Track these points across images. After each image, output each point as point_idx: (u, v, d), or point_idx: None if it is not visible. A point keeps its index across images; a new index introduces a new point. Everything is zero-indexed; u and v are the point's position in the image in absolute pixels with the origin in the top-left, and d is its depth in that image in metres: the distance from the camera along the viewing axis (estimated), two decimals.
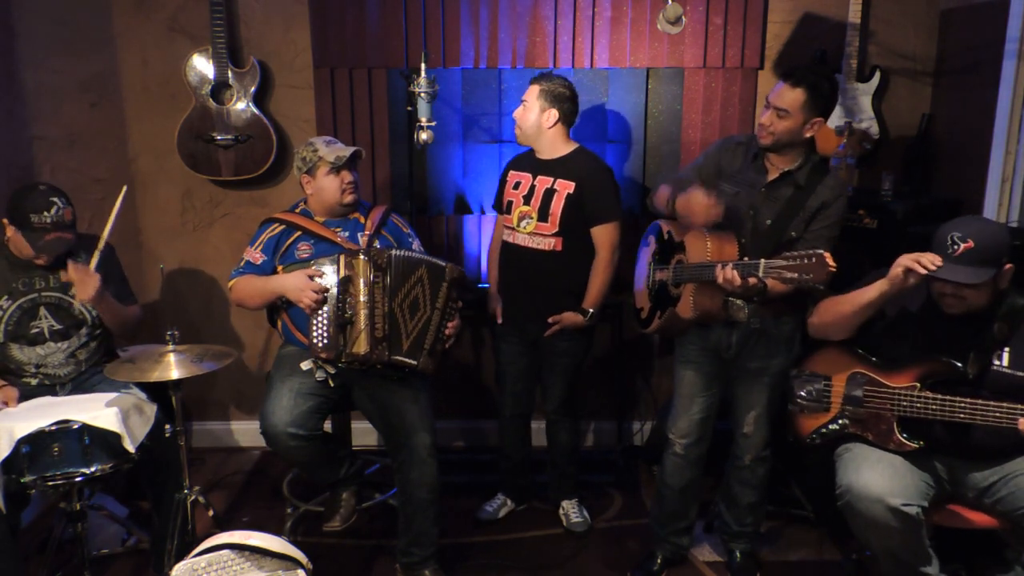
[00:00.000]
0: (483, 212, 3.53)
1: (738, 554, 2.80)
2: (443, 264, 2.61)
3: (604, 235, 2.81)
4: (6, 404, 2.43)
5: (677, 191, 2.48)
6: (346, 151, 2.64)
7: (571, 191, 2.78)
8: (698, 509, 2.82)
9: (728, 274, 2.26)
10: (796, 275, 2.11)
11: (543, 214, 2.82)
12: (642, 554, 2.86)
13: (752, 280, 2.23)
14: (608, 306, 3.01)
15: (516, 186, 2.88)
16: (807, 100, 2.30)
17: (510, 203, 2.89)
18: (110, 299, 2.56)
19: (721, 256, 2.35)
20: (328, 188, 2.65)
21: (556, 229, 2.82)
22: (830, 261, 2.06)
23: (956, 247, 2.05)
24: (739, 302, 2.42)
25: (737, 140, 2.56)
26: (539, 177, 2.84)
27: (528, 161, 2.90)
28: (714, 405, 2.66)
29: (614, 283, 2.88)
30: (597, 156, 2.92)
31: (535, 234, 2.84)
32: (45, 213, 2.43)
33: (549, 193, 2.81)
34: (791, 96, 2.30)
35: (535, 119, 2.78)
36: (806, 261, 2.09)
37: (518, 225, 2.86)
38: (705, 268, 2.35)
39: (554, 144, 2.82)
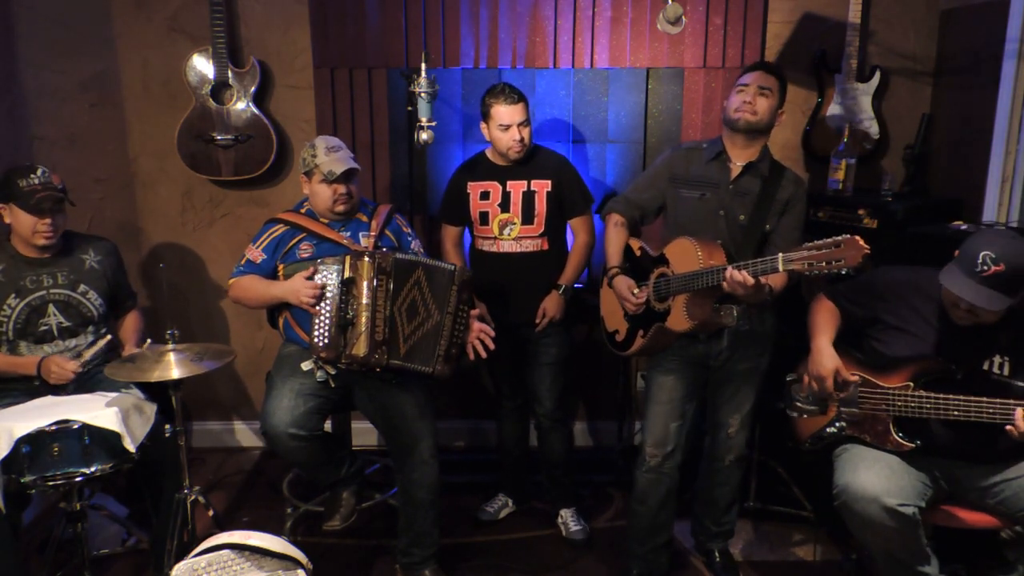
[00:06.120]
0: None
1: (717, 554, 2.81)
2: (450, 267, 2.57)
3: (583, 223, 2.94)
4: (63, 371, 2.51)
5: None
6: (341, 166, 2.58)
7: (549, 189, 2.86)
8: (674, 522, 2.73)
9: (739, 276, 2.13)
10: (826, 264, 1.97)
11: (527, 217, 2.86)
12: (618, 571, 2.80)
13: (764, 279, 2.16)
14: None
15: (484, 196, 2.89)
16: (781, 87, 2.45)
17: (484, 214, 2.90)
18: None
19: (711, 261, 2.28)
20: (321, 195, 2.64)
21: (542, 229, 2.88)
22: (863, 243, 1.92)
23: (986, 268, 1.95)
24: (728, 307, 2.35)
25: (687, 146, 2.59)
26: (510, 182, 2.86)
27: (486, 169, 2.91)
28: (693, 413, 2.60)
29: None
30: (552, 150, 2.97)
31: (521, 238, 2.88)
32: (32, 175, 2.53)
33: (529, 195, 2.85)
34: (771, 79, 2.43)
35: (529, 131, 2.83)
36: (834, 248, 1.96)
37: (501, 233, 2.89)
38: (700, 276, 2.26)
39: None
